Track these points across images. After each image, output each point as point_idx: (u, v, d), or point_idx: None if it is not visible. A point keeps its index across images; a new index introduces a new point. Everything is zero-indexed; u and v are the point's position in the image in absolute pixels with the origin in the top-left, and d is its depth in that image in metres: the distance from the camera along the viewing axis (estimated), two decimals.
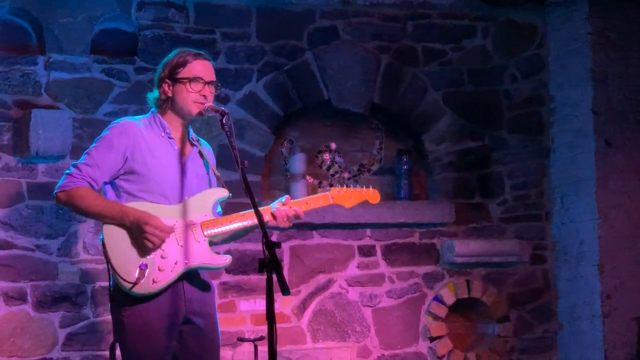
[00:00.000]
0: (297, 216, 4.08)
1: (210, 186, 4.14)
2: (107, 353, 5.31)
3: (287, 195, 4.15)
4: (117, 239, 3.89)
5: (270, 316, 3.49)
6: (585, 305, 6.33)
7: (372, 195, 4.33)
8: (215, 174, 4.14)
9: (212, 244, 4.04)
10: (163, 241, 3.88)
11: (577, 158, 6.40)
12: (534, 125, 6.58)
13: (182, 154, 4.07)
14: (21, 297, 5.40)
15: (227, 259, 4.03)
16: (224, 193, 4.08)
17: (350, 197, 4.26)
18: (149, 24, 5.77)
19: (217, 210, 4.17)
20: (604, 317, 6.23)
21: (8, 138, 5.44)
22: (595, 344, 6.25)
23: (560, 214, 6.52)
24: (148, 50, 5.73)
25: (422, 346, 6.24)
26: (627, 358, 6.25)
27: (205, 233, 3.98)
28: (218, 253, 4.03)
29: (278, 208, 4.05)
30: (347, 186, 4.27)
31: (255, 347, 5.30)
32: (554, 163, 6.57)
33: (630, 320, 6.30)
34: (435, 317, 6.26)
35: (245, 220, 4.03)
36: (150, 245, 3.86)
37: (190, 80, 4.01)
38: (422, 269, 6.29)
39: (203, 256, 3.97)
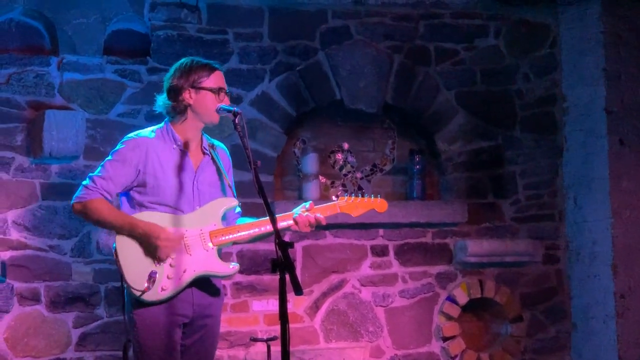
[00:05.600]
0: (318, 221, 4.16)
1: (224, 192, 4.22)
2: (120, 353, 5.32)
3: (310, 201, 4.23)
4: (128, 248, 4.02)
5: (283, 316, 3.50)
6: (599, 305, 6.31)
7: (380, 204, 4.39)
8: (226, 182, 4.23)
9: (222, 250, 4.14)
10: (175, 250, 4.00)
11: (590, 157, 6.39)
12: (547, 125, 6.57)
13: (193, 164, 4.17)
14: (35, 298, 5.41)
15: (234, 268, 4.14)
16: (233, 203, 4.19)
17: (357, 207, 4.32)
18: (161, 24, 5.78)
19: (237, 211, 4.27)
20: (618, 317, 6.21)
21: (22, 139, 5.45)
22: (609, 344, 6.23)
23: (573, 213, 6.51)
24: (161, 51, 5.74)
25: (435, 346, 6.23)
26: None
27: (214, 242, 4.08)
28: (229, 261, 4.17)
29: (300, 214, 4.15)
30: (354, 195, 4.31)
31: (268, 347, 5.30)
32: (567, 162, 6.55)
33: None
34: (448, 317, 6.25)
35: (253, 228, 4.14)
36: (163, 256, 3.99)
37: (218, 91, 4.13)
38: (435, 269, 6.28)
39: (211, 265, 4.08)
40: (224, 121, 5.61)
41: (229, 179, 4.26)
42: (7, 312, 5.36)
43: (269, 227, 4.09)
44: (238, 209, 4.29)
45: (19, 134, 5.45)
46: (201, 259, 4.05)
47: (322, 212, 4.21)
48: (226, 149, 4.37)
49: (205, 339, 4.17)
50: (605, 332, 6.27)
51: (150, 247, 3.98)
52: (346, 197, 4.30)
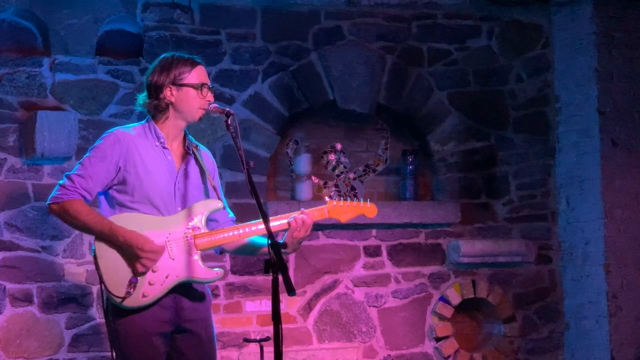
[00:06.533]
0: (309, 217, 3.99)
1: (207, 195, 4.07)
2: (113, 354, 5.31)
3: (302, 209, 4.06)
4: (108, 252, 3.85)
5: (276, 317, 3.49)
6: (592, 305, 6.33)
7: (370, 209, 4.20)
8: (210, 183, 4.07)
9: (211, 253, 3.99)
10: (155, 263, 3.84)
11: (583, 158, 6.40)
12: (540, 125, 6.58)
13: (176, 163, 4.02)
14: (27, 299, 5.40)
15: (218, 273, 3.97)
16: (216, 205, 4.01)
17: (346, 211, 4.14)
18: (154, 25, 5.78)
19: (230, 216, 4.15)
20: (610, 316, 6.22)
21: (14, 140, 5.44)
22: (602, 343, 6.25)
23: (566, 213, 6.52)
24: (153, 52, 5.72)
25: (428, 346, 6.24)
26: (634, 358, 6.24)
27: (198, 245, 3.93)
28: (210, 267, 3.97)
29: (295, 217, 3.98)
30: (344, 199, 4.16)
31: (261, 347, 5.30)
32: (560, 163, 6.56)
33: (637, 320, 6.29)
34: (441, 318, 6.26)
35: (237, 230, 3.98)
36: (141, 269, 3.83)
37: (201, 86, 3.97)
38: (428, 269, 6.28)
39: (194, 270, 3.92)
40: (216, 122, 5.64)
41: (215, 182, 4.10)
42: None
43: (254, 229, 3.96)
44: (231, 215, 4.16)
45: (11, 135, 5.44)
46: (184, 264, 3.89)
47: (310, 216, 4.04)
48: (209, 152, 4.21)
49: (201, 345, 4.00)
50: (598, 331, 6.28)
51: (131, 256, 3.82)
52: (335, 201, 4.13)
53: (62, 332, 5.46)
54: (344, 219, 4.15)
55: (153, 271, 3.86)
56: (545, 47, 6.61)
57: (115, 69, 5.67)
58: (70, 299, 5.47)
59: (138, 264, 3.82)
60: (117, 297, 3.82)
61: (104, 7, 5.65)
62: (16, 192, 5.42)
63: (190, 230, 3.94)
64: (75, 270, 5.49)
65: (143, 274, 3.84)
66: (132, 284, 3.83)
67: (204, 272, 3.95)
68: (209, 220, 4.04)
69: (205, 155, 4.15)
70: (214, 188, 4.07)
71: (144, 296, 3.84)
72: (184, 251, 3.91)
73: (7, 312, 5.36)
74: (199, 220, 3.96)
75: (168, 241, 3.89)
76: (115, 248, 3.84)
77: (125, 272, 3.84)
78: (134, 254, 3.81)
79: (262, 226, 3.90)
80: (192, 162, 4.07)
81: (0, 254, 5.37)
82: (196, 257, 3.93)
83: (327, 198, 4.22)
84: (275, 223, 3.99)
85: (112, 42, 5.74)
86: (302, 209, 4.08)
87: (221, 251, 4.20)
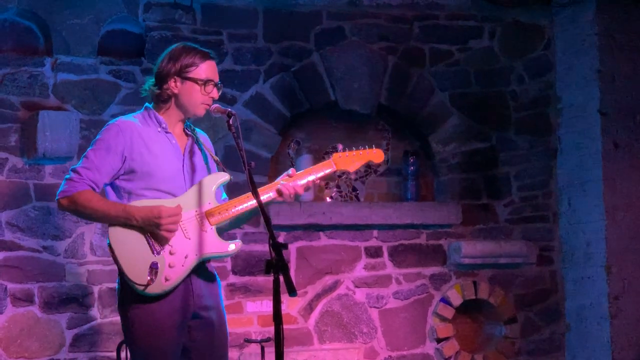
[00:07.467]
0: (306, 188, 4.01)
1: (210, 174, 4.04)
2: (114, 354, 5.32)
3: (292, 168, 4.07)
4: (124, 240, 3.82)
5: (277, 317, 3.48)
6: (593, 307, 6.32)
7: (376, 154, 4.20)
8: (214, 159, 4.06)
9: (220, 230, 3.95)
10: (176, 225, 3.80)
11: (584, 159, 6.39)
12: (541, 126, 6.58)
13: (180, 146, 4.00)
14: (28, 299, 5.40)
15: (237, 245, 3.93)
16: (224, 177, 3.98)
17: (353, 160, 4.15)
18: (155, 25, 5.78)
19: (223, 197, 4.11)
20: (612, 318, 6.22)
21: (15, 139, 5.45)
22: (603, 345, 6.24)
23: (567, 215, 6.51)
24: (155, 52, 5.71)
25: (429, 347, 6.23)
26: (635, 359, 6.24)
27: (212, 221, 3.90)
28: (226, 240, 3.93)
29: (284, 184, 3.97)
30: (349, 150, 4.17)
31: (262, 348, 5.30)
32: (561, 164, 6.56)
33: (638, 322, 6.28)
34: (442, 319, 6.25)
35: (251, 200, 3.92)
36: (169, 235, 3.79)
37: (205, 82, 3.95)
38: (429, 270, 6.28)
39: (213, 245, 3.89)
40: (218, 122, 5.65)
41: (215, 158, 4.07)
42: (0, 313, 5.34)
43: (266, 196, 3.94)
44: (224, 195, 4.12)
45: (13, 135, 5.44)
46: (201, 242, 3.86)
47: (316, 171, 4.07)
48: (207, 136, 4.18)
49: (215, 333, 3.96)
50: (599, 333, 6.28)
51: (153, 230, 3.78)
52: (340, 153, 4.13)
53: (63, 332, 5.46)
54: (352, 168, 4.16)
55: (171, 253, 3.82)
56: (547, 48, 6.60)
57: (117, 69, 5.67)
58: (71, 299, 5.47)
59: (162, 232, 3.78)
60: (140, 285, 3.77)
61: (105, 7, 5.66)
62: (18, 192, 5.42)
63: (202, 207, 3.90)
64: (77, 271, 5.49)
65: (166, 243, 3.78)
66: (154, 270, 3.78)
67: (223, 246, 3.92)
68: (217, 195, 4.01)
69: (203, 137, 4.14)
70: (217, 162, 4.05)
71: (166, 280, 3.80)
72: (199, 228, 3.88)
73: (8, 312, 5.36)
74: (209, 196, 3.92)
75: (182, 221, 3.85)
76: (134, 231, 3.81)
77: (145, 258, 3.80)
78: (154, 225, 3.78)
79: (272, 194, 3.97)
80: (194, 143, 4.05)
81: (1, 253, 5.37)
82: (212, 232, 3.89)
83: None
84: (264, 196, 3.94)
85: (113, 42, 5.75)
86: (292, 169, 4.06)
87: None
